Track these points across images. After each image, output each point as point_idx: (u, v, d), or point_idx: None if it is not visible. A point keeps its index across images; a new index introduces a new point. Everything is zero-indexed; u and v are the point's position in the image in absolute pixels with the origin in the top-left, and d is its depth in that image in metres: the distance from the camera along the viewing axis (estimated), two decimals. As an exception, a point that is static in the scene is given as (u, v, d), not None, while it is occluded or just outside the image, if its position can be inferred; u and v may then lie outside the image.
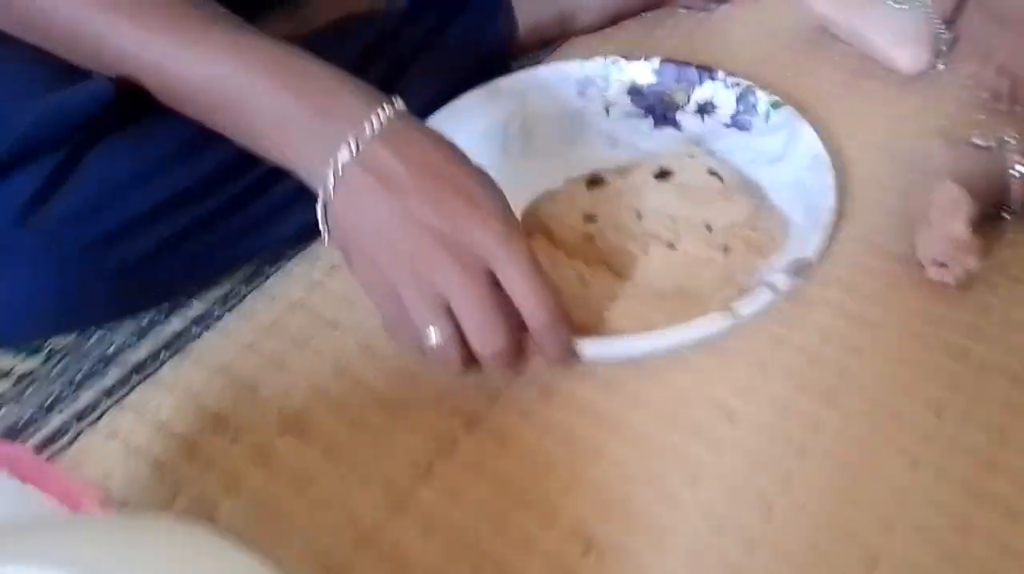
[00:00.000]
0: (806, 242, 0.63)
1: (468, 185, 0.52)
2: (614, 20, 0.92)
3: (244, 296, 0.68)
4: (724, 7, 0.95)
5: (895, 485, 0.53)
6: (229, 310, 0.67)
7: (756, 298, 0.59)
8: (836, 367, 0.60)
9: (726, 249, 0.66)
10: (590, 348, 0.56)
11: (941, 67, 0.83)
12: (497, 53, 0.86)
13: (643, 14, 0.93)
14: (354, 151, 0.52)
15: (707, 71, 0.78)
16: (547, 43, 0.90)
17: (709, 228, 0.67)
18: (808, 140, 0.71)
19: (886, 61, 0.83)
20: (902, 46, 0.82)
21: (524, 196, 0.71)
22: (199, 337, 0.65)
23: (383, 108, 0.53)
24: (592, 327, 0.61)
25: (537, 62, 0.86)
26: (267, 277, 0.70)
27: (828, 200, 0.66)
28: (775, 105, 0.74)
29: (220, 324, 0.66)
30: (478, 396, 0.59)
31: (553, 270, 0.65)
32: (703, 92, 0.78)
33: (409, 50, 0.78)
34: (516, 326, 0.52)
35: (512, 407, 0.59)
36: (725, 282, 0.64)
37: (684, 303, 0.62)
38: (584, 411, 0.58)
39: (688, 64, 0.79)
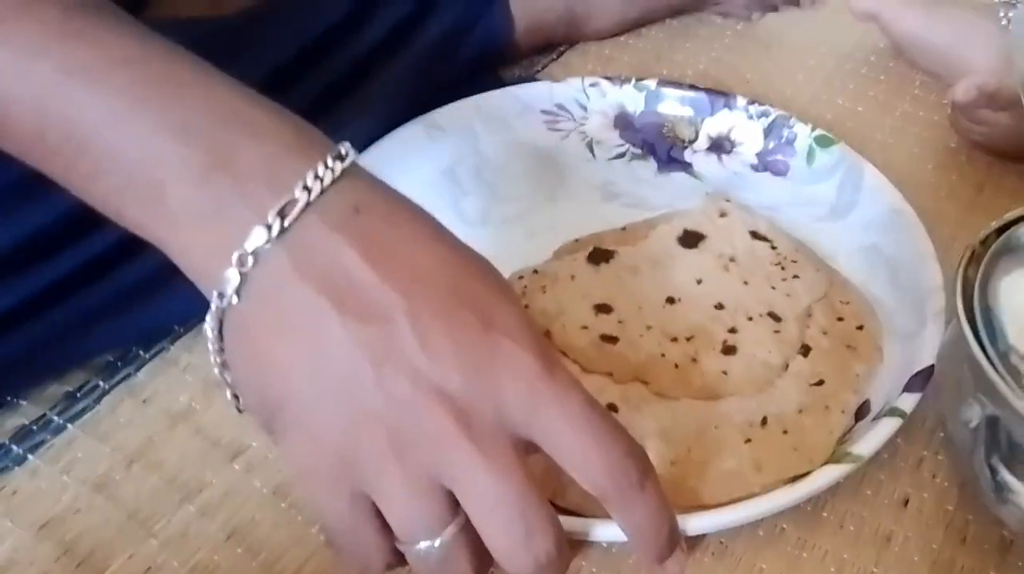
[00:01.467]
0: (914, 335, 0.45)
1: (481, 296, 0.31)
2: (634, 25, 0.72)
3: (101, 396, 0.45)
4: (771, 16, 0.74)
5: None
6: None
7: (879, 430, 0.40)
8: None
9: (806, 349, 0.46)
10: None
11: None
12: (488, 55, 0.65)
13: (670, 20, 0.73)
14: (275, 233, 0.30)
15: (721, 96, 0.58)
16: (549, 47, 0.70)
17: (776, 318, 0.47)
18: (877, 188, 0.53)
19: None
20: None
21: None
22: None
23: (328, 161, 0.31)
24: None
25: (535, 73, 0.66)
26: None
27: (931, 275, 0.47)
28: (822, 142, 0.55)
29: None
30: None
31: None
32: (716, 124, 0.58)
33: (372, 47, 0.58)
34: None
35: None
36: (818, 401, 0.44)
37: (768, 439, 0.42)
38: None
39: (696, 87, 0.59)
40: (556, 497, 0.40)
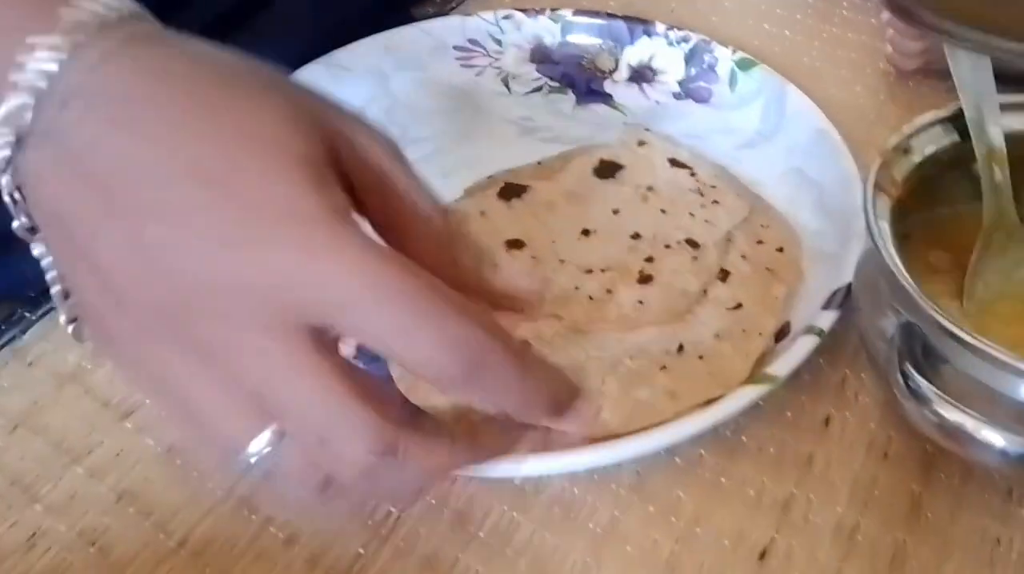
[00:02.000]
0: (836, 257, 0.43)
1: (240, 170, 0.26)
2: None
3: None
4: None
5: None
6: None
7: (796, 350, 0.39)
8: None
9: (725, 274, 0.44)
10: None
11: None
12: None
13: None
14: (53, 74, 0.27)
15: (640, 23, 0.56)
16: None
17: (694, 244, 0.45)
18: (801, 110, 0.51)
19: None
20: None
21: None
22: None
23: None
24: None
25: (450, 10, 0.63)
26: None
27: (856, 196, 0.45)
28: (744, 65, 0.53)
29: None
30: (354, 540, 0.36)
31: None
32: (636, 52, 0.56)
33: None
34: (393, 411, 0.28)
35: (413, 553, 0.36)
36: (736, 325, 0.42)
37: (684, 366, 0.40)
38: (540, 555, 0.35)
39: (613, 16, 0.57)
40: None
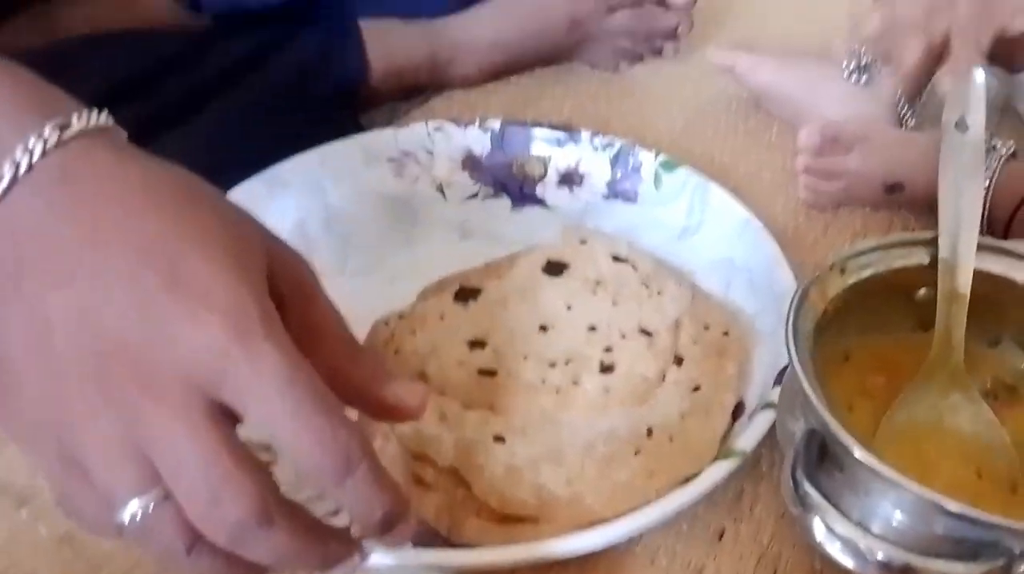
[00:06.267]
0: (776, 335, 0.46)
1: (174, 256, 0.30)
2: (501, 72, 0.71)
3: None
4: (637, 67, 0.75)
5: None
6: None
7: (756, 424, 0.41)
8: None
9: (679, 359, 0.47)
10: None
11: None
12: (343, 96, 0.64)
13: (540, 68, 0.73)
14: None
15: (567, 132, 0.60)
16: (412, 93, 0.69)
17: (647, 333, 0.48)
18: (723, 204, 0.55)
19: None
20: None
21: (358, 327, 0.46)
22: None
23: (45, 131, 0.31)
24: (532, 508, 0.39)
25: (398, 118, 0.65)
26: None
27: (783, 278, 0.49)
28: (667, 166, 0.57)
29: None
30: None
31: (451, 430, 0.42)
32: (564, 158, 0.59)
33: (209, 78, 0.57)
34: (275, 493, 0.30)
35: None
36: (698, 405, 0.44)
37: (656, 448, 0.42)
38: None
39: (539, 124, 0.60)
40: (453, 532, 0.39)
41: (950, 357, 0.41)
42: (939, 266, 0.42)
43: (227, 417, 0.29)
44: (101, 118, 0.32)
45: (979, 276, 0.42)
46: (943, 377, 0.41)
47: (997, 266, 0.43)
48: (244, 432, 0.30)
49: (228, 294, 0.29)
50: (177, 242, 0.30)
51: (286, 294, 0.32)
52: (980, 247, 0.42)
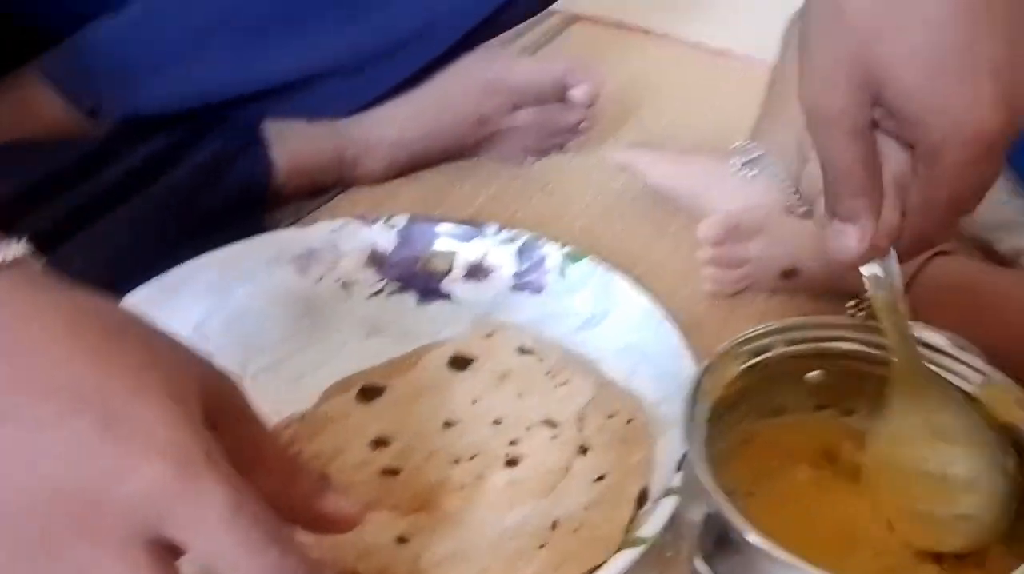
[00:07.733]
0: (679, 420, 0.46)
1: (107, 396, 0.29)
2: (408, 169, 0.71)
3: None
4: (544, 161, 0.76)
5: None
6: None
7: (660, 511, 0.41)
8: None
9: (584, 449, 0.47)
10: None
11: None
12: (248, 197, 0.63)
13: (447, 163, 0.74)
14: None
15: (473, 226, 0.60)
16: (319, 191, 0.68)
17: (552, 424, 0.48)
18: (626, 293, 0.55)
19: None
20: None
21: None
22: None
23: None
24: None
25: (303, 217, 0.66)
26: None
27: (686, 365, 0.50)
28: (572, 257, 0.58)
29: None
30: None
31: (353, 533, 0.41)
32: (471, 252, 0.60)
33: (111, 184, 0.56)
34: None
35: None
36: (603, 495, 0.44)
37: (561, 541, 0.41)
38: None
39: (445, 220, 0.61)
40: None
41: (915, 359, 0.41)
42: (871, 283, 0.41)
43: (169, 552, 0.29)
44: (17, 248, 0.31)
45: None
46: (918, 381, 0.41)
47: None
48: (187, 566, 0.30)
49: (166, 431, 0.29)
50: (108, 382, 0.29)
51: (219, 417, 0.32)
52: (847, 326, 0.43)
